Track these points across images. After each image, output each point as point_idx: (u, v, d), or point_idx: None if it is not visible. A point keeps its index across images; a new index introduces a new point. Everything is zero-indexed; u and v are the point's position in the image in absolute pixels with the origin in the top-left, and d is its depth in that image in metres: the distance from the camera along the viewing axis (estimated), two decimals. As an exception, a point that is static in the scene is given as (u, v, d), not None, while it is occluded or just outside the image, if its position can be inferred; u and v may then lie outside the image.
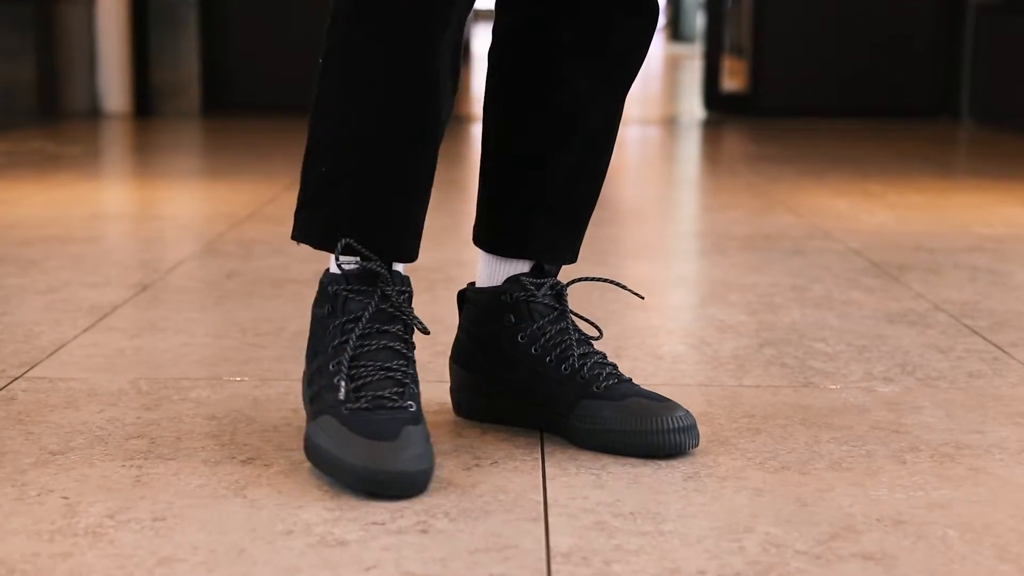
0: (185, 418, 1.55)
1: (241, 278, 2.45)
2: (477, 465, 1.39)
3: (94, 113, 6.54)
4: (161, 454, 1.42)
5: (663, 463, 1.39)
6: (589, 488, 1.32)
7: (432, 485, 1.32)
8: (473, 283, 1.55)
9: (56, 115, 6.14)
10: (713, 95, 7.21)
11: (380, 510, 1.25)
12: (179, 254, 2.76)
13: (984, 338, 2.03)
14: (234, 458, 1.41)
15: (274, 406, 1.61)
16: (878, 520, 1.25)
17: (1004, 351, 1.95)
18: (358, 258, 1.36)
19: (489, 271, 1.53)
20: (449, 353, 1.58)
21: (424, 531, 1.20)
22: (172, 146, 5.48)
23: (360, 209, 1.37)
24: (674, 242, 3.11)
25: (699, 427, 1.52)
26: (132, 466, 1.38)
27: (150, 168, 4.70)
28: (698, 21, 13.16)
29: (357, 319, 1.36)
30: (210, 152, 5.29)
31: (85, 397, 1.64)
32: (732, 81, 7.44)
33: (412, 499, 1.28)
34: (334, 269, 1.39)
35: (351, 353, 1.34)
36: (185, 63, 6.78)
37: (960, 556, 1.17)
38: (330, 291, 1.38)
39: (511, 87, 1.51)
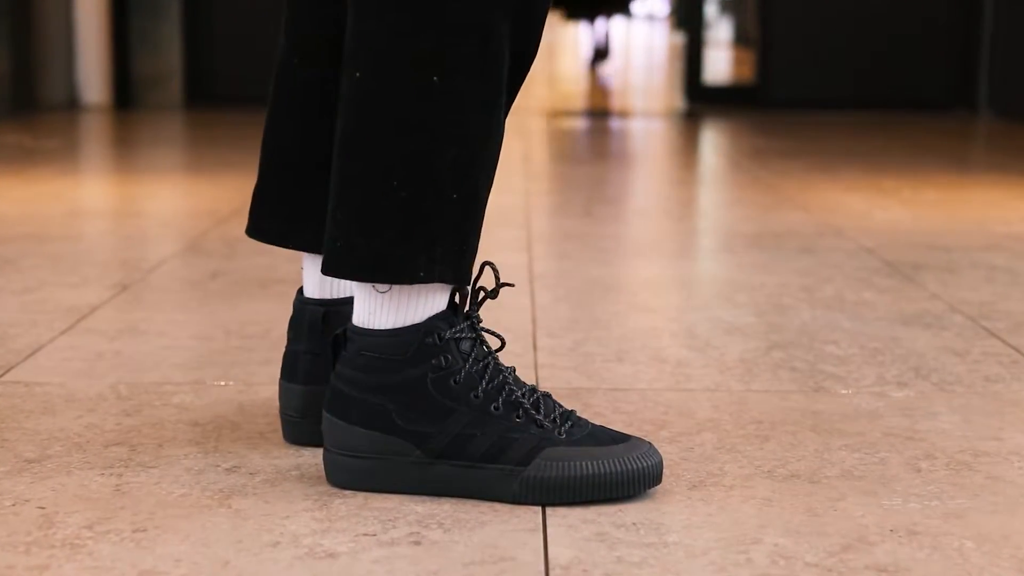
0: (167, 424, 1.55)
1: (226, 278, 2.45)
2: (472, 473, 1.39)
3: (72, 105, 6.53)
4: (142, 462, 1.42)
5: (666, 471, 1.39)
6: (590, 497, 1.32)
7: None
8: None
9: (32, 107, 6.13)
10: (695, 86, 7.21)
11: (371, 521, 1.25)
12: (161, 253, 2.76)
13: (1002, 340, 2.03)
14: (218, 466, 1.41)
15: (260, 412, 1.61)
16: (892, 531, 1.25)
17: (1023, 354, 1.95)
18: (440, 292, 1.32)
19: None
20: None
21: (417, 543, 1.20)
22: (153, 140, 5.48)
23: (473, 232, 1.33)
24: (678, 240, 3.11)
25: (706, 433, 1.52)
26: (112, 475, 1.38)
27: (130, 163, 4.70)
28: (704, 10, 13.17)
29: (489, 355, 1.33)
30: (193, 146, 5.29)
31: (62, 402, 1.64)
32: (739, 71, 7.45)
33: (404, 510, 1.28)
34: (428, 311, 1.32)
35: (514, 388, 1.33)
36: (167, 53, 6.78)
37: (978, 568, 1.17)
38: (437, 340, 1.30)
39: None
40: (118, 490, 1.33)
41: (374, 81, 1.27)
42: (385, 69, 1.27)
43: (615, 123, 6.51)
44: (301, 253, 1.48)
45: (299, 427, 1.46)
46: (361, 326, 1.33)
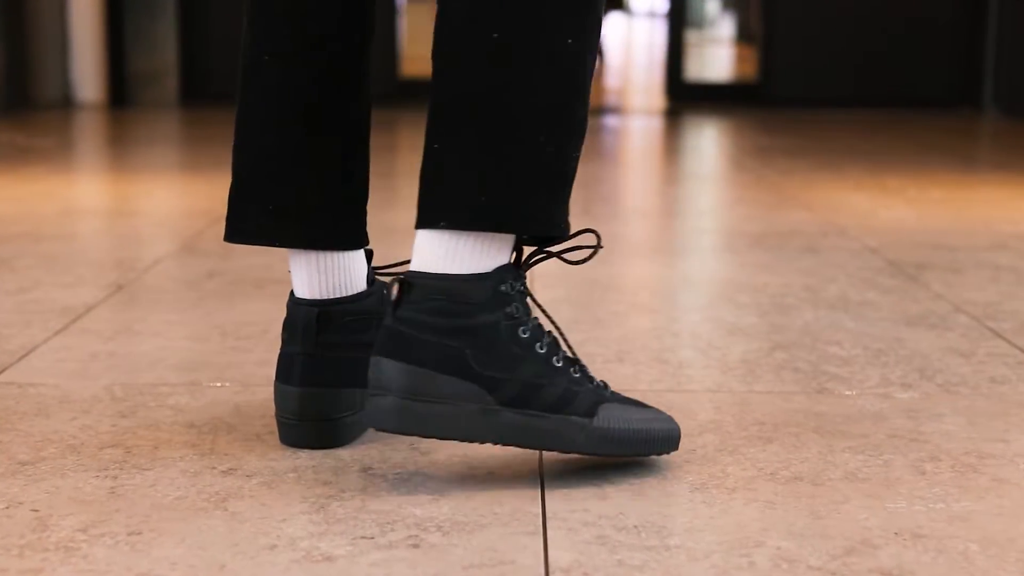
0: (162, 426, 1.55)
1: (222, 277, 2.45)
2: (472, 475, 1.39)
3: (66, 103, 6.54)
4: (137, 464, 1.42)
5: (668, 473, 1.39)
6: (590, 500, 1.32)
7: (424, 496, 1.32)
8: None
9: (26, 105, 6.13)
10: (676, 84, 7.18)
11: (369, 523, 1.25)
12: (156, 252, 2.76)
13: (1008, 341, 2.03)
14: (214, 468, 1.41)
15: (257, 413, 1.61)
16: (896, 534, 1.25)
17: (1029, 355, 1.95)
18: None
19: None
20: None
21: (415, 545, 1.20)
22: (149, 138, 5.48)
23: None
24: (680, 240, 3.11)
25: (708, 435, 1.52)
26: (106, 477, 1.38)
27: (125, 161, 4.70)
28: (708, 5, 13.14)
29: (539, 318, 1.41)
30: (189, 144, 5.29)
31: (57, 404, 1.64)
32: (742, 68, 7.45)
33: (403, 512, 1.28)
34: (497, 262, 1.35)
35: (563, 348, 1.39)
36: (162, 50, 6.78)
37: (983, 572, 1.17)
38: (510, 289, 1.35)
39: None
40: (113, 492, 1.33)
41: (516, 42, 1.31)
42: (526, 30, 1.31)
43: (612, 120, 6.51)
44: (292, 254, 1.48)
45: (296, 430, 1.46)
46: (430, 271, 1.33)
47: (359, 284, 1.49)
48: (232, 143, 1.50)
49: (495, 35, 1.30)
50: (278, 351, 1.52)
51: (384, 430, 1.33)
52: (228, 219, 1.50)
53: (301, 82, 1.45)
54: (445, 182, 1.33)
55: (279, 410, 1.47)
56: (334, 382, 1.46)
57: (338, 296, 1.47)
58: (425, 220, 1.33)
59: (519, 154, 1.32)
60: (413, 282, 1.33)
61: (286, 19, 1.45)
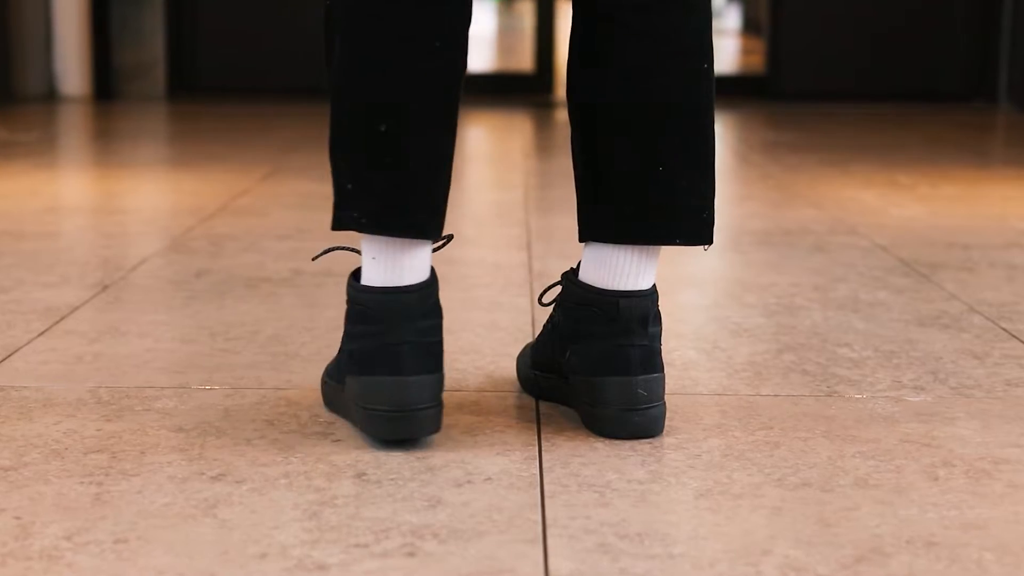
0: (150, 430, 1.55)
1: (211, 277, 2.45)
2: (469, 482, 1.39)
3: (50, 96, 6.53)
4: (123, 470, 1.42)
5: (672, 479, 1.39)
6: (592, 507, 1.32)
7: (420, 503, 1.32)
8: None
9: (9, 99, 6.13)
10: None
11: (363, 531, 1.25)
12: (143, 251, 2.76)
13: (1023, 343, 2.03)
14: (203, 474, 1.41)
15: (247, 417, 1.61)
16: (908, 542, 1.25)
17: (1045, 357, 1.95)
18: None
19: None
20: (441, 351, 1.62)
21: (411, 554, 1.20)
22: (135, 132, 5.48)
23: None
24: (685, 238, 3.11)
25: (713, 439, 1.52)
26: (91, 483, 1.38)
27: (111, 157, 4.70)
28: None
29: None
30: (177, 139, 5.29)
31: (40, 407, 1.64)
32: (747, 60, 7.45)
33: (398, 519, 1.28)
34: None
35: None
36: (149, 42, 6.77)
37: (997, 581, 1.17)
38: None
39: None
40: (98, 499, 1.33)
41: (712, 71, 1.56)
42: (711, 61, 1.57)
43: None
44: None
45: (410, 421, 1.47)
46: (648, 287, 1.56)
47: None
48: (350, 133, 1.49)
49: (705, 65, 1.55)
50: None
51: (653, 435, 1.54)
52: (378, 213, 1.49)
53: (456, 69, 1.50)
54: (678, 201, 1.55)
55: (387, 405, 1.46)
56: (436, 367, 1.49)
57: (423, 281, 1.51)
58: (658, 236, 1.55)
59: (713, 169, 1.57)
60: (644, 304, 1.54)
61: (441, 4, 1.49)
